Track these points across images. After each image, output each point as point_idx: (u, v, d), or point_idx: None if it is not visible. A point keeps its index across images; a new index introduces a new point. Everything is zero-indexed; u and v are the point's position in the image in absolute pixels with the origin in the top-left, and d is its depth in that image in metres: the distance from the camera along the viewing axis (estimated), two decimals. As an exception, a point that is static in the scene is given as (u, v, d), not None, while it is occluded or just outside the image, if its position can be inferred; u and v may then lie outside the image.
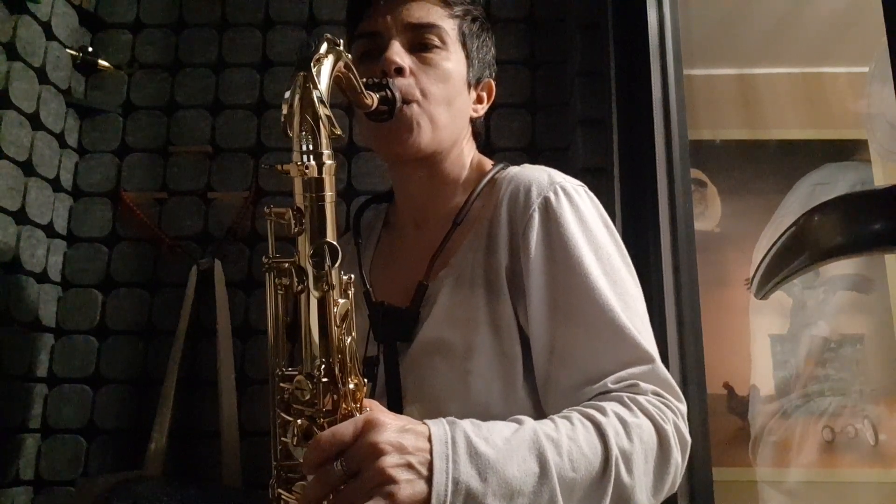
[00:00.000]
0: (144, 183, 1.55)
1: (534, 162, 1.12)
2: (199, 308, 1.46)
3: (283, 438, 0.73)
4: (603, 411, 0.76)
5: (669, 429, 0.78)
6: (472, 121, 1.07)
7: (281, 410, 0.74)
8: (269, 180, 1.54)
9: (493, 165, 1.04)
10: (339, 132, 0.72)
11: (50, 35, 1.45)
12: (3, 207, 1.32)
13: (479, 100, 1.07)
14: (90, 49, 1.56)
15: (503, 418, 0.78)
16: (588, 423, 0.75)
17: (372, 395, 0.98)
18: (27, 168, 1.38)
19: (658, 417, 0.78)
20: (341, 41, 0.75)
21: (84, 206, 1.54)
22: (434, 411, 0.84)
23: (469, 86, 1.03)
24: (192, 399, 1.44)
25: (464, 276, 0.93)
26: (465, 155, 1.05)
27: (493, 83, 1.09)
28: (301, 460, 0.69)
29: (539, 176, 0.94)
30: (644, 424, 0.77)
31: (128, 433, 1.42)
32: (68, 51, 1.50)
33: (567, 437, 0.72)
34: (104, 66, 1.56)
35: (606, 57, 1.41)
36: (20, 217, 1.36)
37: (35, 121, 1.40)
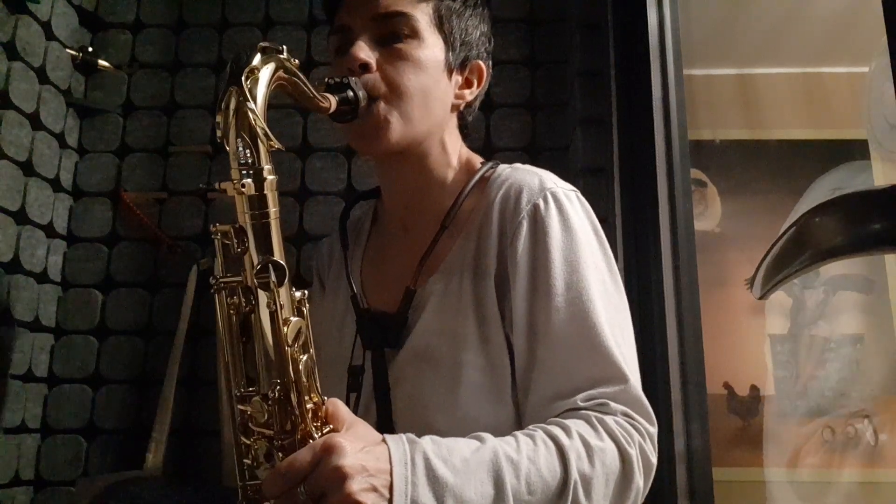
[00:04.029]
0: (144, 183, 1.55)
1: (533, 162, 1.10)
2: (199, 308, 1.46)
3: (245, 460, 0.72)
4: (568, 432, 0.75)
5: (634, 452, 0.77)
6: (459, 109, 1.02)
7: (240, 433, 0.72)
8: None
9: (483, 164, 1.00)
10: (277, 145, 0.69)
11: (50, 35, 1.45)
12: (3, 207, 1.32)
13: (466, 84, 1.01)
14: (90, 49, 1.56)
15: (491, 429, 0.77)
16: (551, 444, 0.74)
17: (357, 404, 0.95)
18: (27, 168, 1.38)
19: (623, 441, 0.77)
20: (283, 47, 0.73)
21: (84, 206, 1.54)
22: (422, 421, 0.83)
23: (450, 71, 0.97)
24: (192, 399, 1.44)
25: (453, 283, 0.91)
26: (451, 150, 1.00)
27: (482, 64, 1.02)
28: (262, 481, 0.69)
29: (530, 180, 0.92)
30: (608, 448, 0.76)
31: (128, 433, 1.42)
32: (68, 51, 1.50)
33: (527, 459, 0.72)
34: (104, 66, 1.56)
35: (606, 57, 1.41)
36: (20, 217, 1.36)
37: (35, 121, 1.40)
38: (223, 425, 1.35)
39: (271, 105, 1.73)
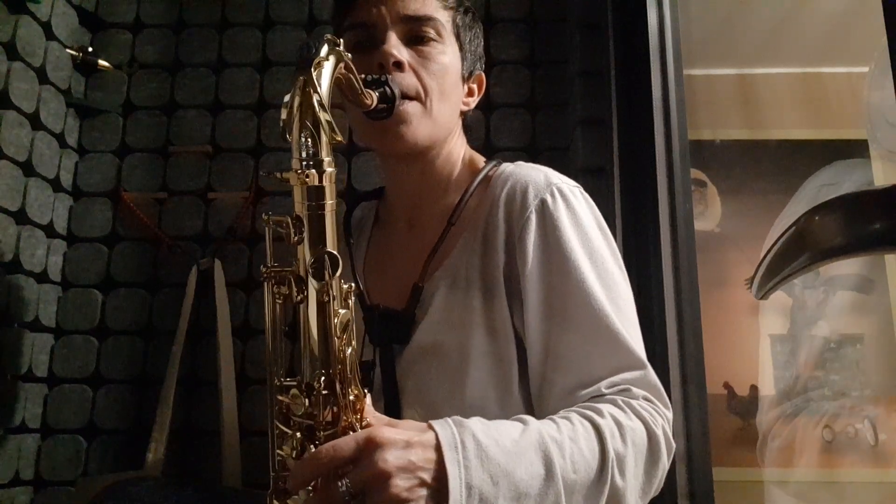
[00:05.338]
0: (144, 183, 1.55)
1: (533, 162, 1.11)
2: (199, 308, 1.46)
3: (278, 451, 0.71)
4: (600, 413, 0.77)
5: (659, 433, 0.79)
6: (463, 115, 1.05)
7: (279, 422, 0.72)
8: (268, 181, 1.54)
9: (486, 162, 1.03)
10: (339, 138, 0.70)
11: (50, 35, 1.45)
12: (3, 207, 1.32)
13: (469, 93, 1.05)
14: (90, 49, 1.56)
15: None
16: (587, 424, 0.76)
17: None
18: (27, 168, 1.38)
19: (650, 421, 0.79)
20: (341, 41, 0.73)
21: (84, 206, 1.54)
22: (428, 415, 0.83)
23: (463, 79, 1.01)
24: (192, 399, 1.44)
25: (459, 278, 0.93)
26: (457, 151, 1.04)
27: (483, 76, 1.08)
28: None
29: (536, 176, 0.94)
30: (637, 428, 0.78)
31: (128, 433, 1.42)
32: (68, 51, 1.50)
33: (569, 439, 0.73)
34: (104, 66, 1.56)
35: (606, 57, 1.41)
36: (20, 217, 1.36)
37: (35, 121, 1.40)
38: (223, 425, 1.35)
39: (271, 104, 1.72)
